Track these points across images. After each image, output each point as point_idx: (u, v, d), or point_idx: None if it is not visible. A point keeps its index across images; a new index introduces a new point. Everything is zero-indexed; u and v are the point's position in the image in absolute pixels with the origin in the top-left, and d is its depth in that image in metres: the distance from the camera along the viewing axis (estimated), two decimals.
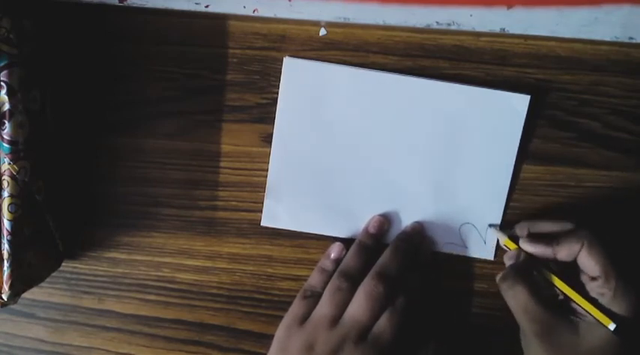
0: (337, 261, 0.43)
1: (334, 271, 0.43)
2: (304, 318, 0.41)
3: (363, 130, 0.44)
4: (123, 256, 0.46)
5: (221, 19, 0.44)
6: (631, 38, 0.42)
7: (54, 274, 0.45)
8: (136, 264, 0.46)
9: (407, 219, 0.44)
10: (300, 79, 0.43)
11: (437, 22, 0.42)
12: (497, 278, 0.42)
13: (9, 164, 0.38)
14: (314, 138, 0.44)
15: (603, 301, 0.38)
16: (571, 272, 0.40)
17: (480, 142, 0.43)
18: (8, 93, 0.38)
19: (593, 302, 0.39)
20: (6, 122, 0.38)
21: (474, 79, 0.43)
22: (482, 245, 0.44)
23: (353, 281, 0.41)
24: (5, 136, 0.38)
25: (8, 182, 0.38)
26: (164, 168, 0.45)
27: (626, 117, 0.44)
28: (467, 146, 0.43)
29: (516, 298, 0.39)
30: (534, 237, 0.41)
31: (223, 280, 0.46)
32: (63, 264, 0.46)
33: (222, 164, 0.45)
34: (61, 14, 0.44)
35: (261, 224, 0.45)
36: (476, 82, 0.43)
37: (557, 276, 0.40)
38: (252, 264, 0.46)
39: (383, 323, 0.40)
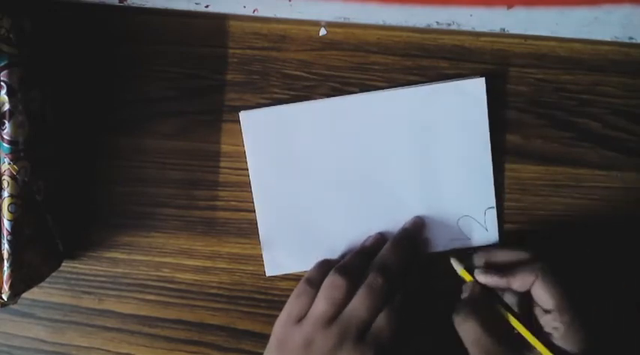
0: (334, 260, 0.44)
1: (332, 265, 0.42)
2: (301, 315, 0.41)
3: (337, 158, 0.44)
4: (123, 256, 0.46)
5: (221, 19, 0.44)
6: (631, 38, 0.42)
7: (54, 274, 0.45)
8: (136, 264, 0.46)
9: (404, 223, 0.44)
10: (260, 129, 0.44)
11: (437, 22, 0.42)
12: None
13: (9, 164, 0.38)
14: (292, 181, 0.44)
15: (556, 335, 0.37)
16: (528, 304, 0.40)
17: (451, 135, 0.43)
18: (8, 93, 0.38)
19: (546, 336, 0.38)
20: (6, 122, 0.38)
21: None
22: (485, 232, 0.44)
23: (351, 279, 0.41)
24: (5, 136, 0.38)
25: (8, 182, 0.38)
26: (164, 168, 0.45)
27: (626, 117, 0.44)
28: (441, 143, 0.43)
29: (468, 332, 0.39)
30: (490, 268, 0.41)
31: (223, 280, 0.46)
32: (63, 263, 0.46)
33: (222, 164, 0.45)
34: (61, 14, 0.44)
35: (267, 275, 0.45)
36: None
37: (509, 309, 0.40)
38: (252, 264, 0.46)
39: (381, 320, 0.39)
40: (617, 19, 0.41)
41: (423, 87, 0.43)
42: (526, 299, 0.40)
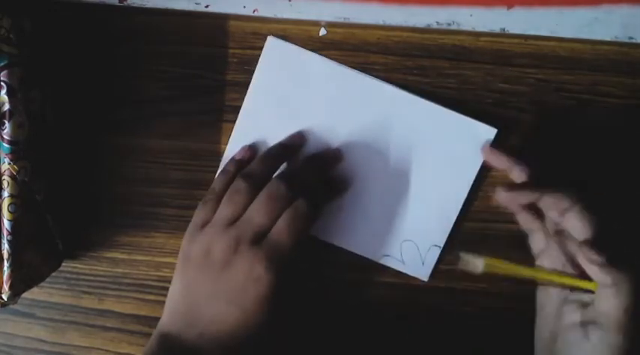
0: (240, 163, 0.43)
1: (236, 174, 0.42)
2: (205, 222, 0.40)
3: (330, 126, 0.43)
4: (123, 256, 0.46)
5: (221, 19, 0.44)
6: (631, 38, 0.42)
7: (54, 274, 0.45)
8: (136, 264, 0.46)
9: (352, 215, 0.44)
10: (279, 61, 0.43)
11: (437, 22, 0.42)
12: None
13: (9, 164, 0.38)
14: (279, 123, 0.44)
15: (598, 262, 0.35)
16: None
17: (440, 163, 0.43)
18: (8, 93, 0.38)
19: (584, 267, 0.36)
20: (6, 122, 0.38)
21: (473, 78, 0.43)
22: (420, 265, 0.44)
23: (253, 182, 0.40)
24: (5, 136, 0.38)
25: (8, 182, 0.38)
26: (164, 168, 0.45)
27: (626, 117, 0.44)
28: (427, 164, 0.43)
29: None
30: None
31: None
32: (63, 263, 0.46)
33: (222, 164, 0.45)
34: (61, 14, 0.44)
35: None
36: (475, 83, 0.43)
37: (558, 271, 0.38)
38: None
39: (280, 225, 0.39)
40: (617, 19, 0.41)
41: (441, 108, 0.43)
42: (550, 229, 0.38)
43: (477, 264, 0.39)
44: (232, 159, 0.43)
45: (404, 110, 0.43)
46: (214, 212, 0.40)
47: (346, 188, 0.44)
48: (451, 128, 0.43)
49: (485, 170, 0.43)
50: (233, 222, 0.39)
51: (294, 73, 0.43)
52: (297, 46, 0.43)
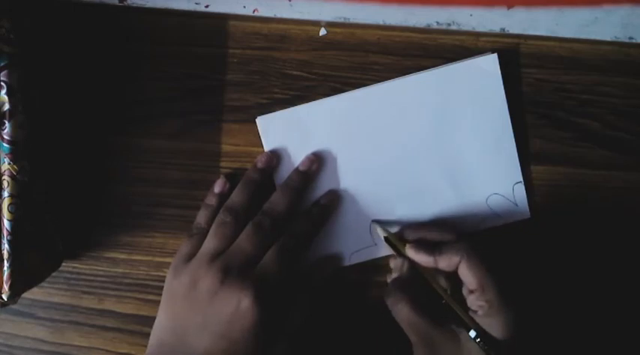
0: (222, 196, 0.43)
1: (219, 206, 0.42)
2: (190, 256, 0.40)
3: (358, 152, 0.44)
4: (123, 256, 0.46)
5: (221, 19, 0.44)
6: (631, 38, 0.42)
7: (54, 274, 0.45)
8: (136, 264, 0.46)
9: (435, 216, 0.44)
10: (278, 132, 0.44)
11: (437, 22, 0.42)
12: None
13: (9, 164, 0.38)
14: (316, 180, 0.44)
15: (480, 313, 0.38)
16: (455, 284, 0.40)
17: (470, 115, 0.43)
18: (8, 93, 0.38)
19: (473, 316, 0.38)
20: (6, 122, 0.38)
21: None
22: (515, 208, 0.44)
23: (237, 215, 0.41)
24: (5, 136, 0.38)
25: (8, 182, 0.38)
26: (164, 168, 0.45)
27: (626, 117, 0.44)
28: (460, 124, 0.43)
29: (400, 313, 0.39)
30: (420, 244, 0.41)
31: None
32: (63, 264, 0.46)
33: (222, 164, 0.45)
34: (61, 14, 0.44)
35: None
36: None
37: (439, 286, 0.40)
38: None
39: (269, 256, 0.39)
40: (617, 19, 0.41)
41: (435, 70, 0.43)
42: (453, 279, 0.40)
43: (379, 233, 0.43)
44: (212, 193, 0.44)
45: (410, 94, 0.43)
46: (199, 246, 0.41)
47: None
48: (456, 80, 0.43)
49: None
50: (219, 254, 0.40)
51: (297, 131, 0.44)
52: (282, 110, 0.44)
